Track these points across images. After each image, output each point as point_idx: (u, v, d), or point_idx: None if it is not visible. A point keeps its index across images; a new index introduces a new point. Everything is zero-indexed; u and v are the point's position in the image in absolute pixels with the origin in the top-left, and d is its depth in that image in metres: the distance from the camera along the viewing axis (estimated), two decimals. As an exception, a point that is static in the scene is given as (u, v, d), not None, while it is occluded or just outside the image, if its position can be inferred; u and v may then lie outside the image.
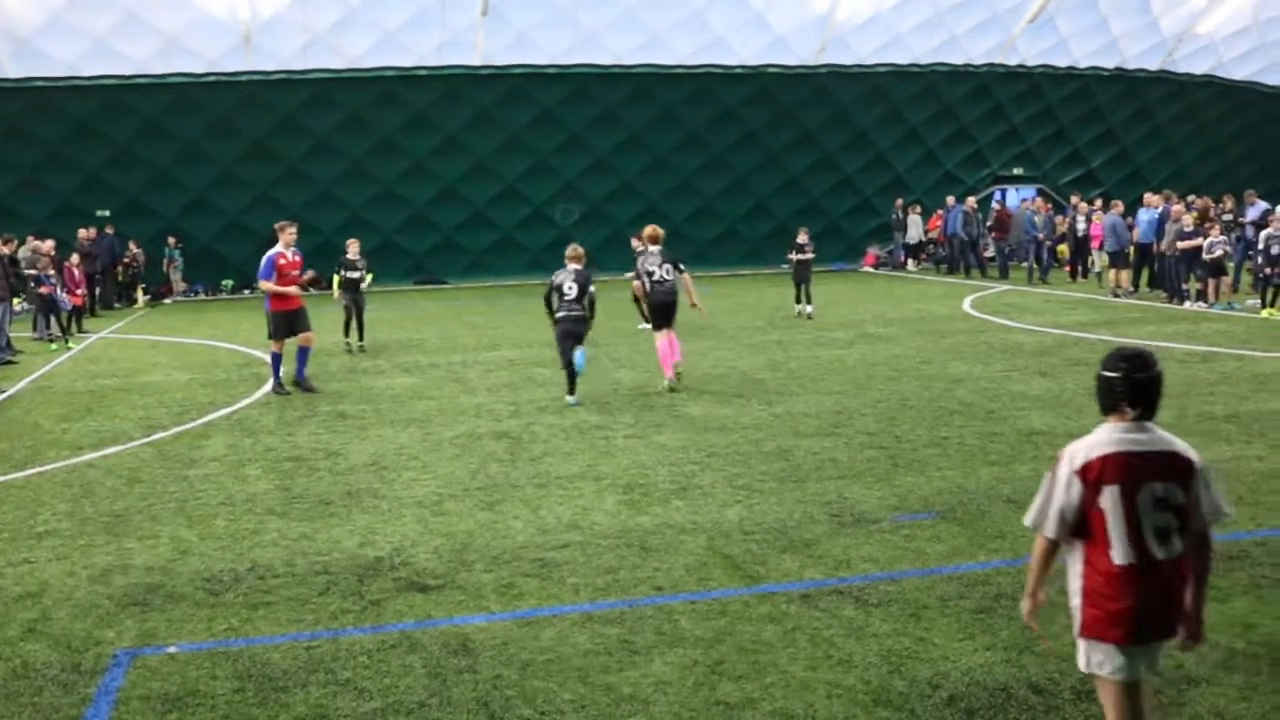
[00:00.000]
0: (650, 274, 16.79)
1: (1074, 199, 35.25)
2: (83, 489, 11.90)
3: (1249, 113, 42.55)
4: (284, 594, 8.55)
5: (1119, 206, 29.75)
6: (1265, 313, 23.59)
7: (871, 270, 39.70)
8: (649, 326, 18.26)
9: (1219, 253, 25.36)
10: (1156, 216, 28.06)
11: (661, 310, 16.64)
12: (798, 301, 26.08)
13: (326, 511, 10.80)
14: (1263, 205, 28.97)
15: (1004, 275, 34.59)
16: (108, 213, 34.19)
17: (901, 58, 37.66)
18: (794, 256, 26.15)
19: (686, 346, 18.30)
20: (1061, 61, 39.33)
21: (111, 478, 12.35)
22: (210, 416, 15.68)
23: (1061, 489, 4.99)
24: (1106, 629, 4.97)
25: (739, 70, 36.56)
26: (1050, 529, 5.04)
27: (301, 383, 17.49)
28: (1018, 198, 40.62)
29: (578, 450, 12.95)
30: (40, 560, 9.54)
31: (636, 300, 17.87)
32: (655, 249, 16.95)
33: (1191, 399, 14.93)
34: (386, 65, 33.92)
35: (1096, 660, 5.07)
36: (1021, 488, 10.89)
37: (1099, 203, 34.13)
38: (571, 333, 15.61)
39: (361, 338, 21.94)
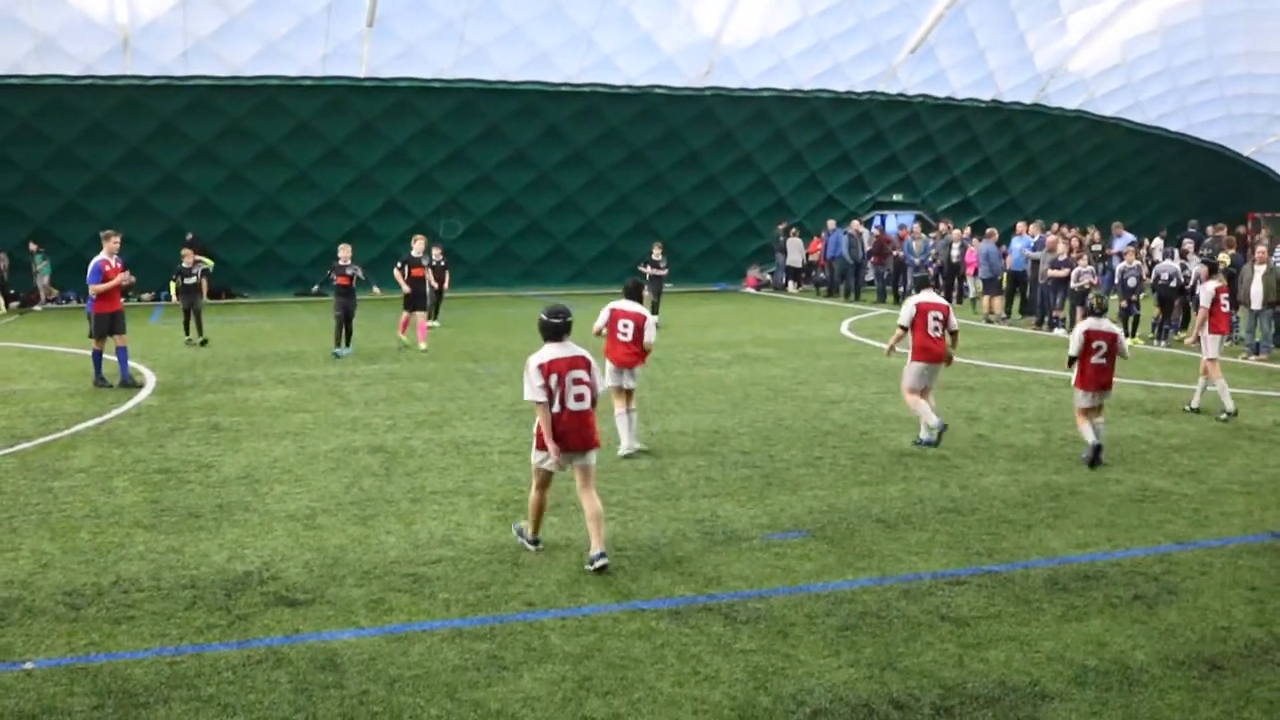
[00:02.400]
0: (418, 262, 23.70)
1: (942, 225, 36.04)
2: (-60, 500, 11.55)
3: (1117, 147, 43.97)
4: (148, 608, 8.39)
5: (993, 235, 30.51)
6: (1128, 342, 24.35)
7: (753, 292, 40.15)
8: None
9: (1085, 281, 26.14)
10: (1031, 245, 28.85)
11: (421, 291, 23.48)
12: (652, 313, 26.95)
13: (196, 525, 10.62)
14: (1129, 237, 29.95)
15: (881, 299, 35.25)
16: (-27, 216, 33.24)
17: (786, 83, 38.20)
18: (648, 270, 27.58)
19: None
20: (940, 92, 40.24)
21: (-29, 488, 12.00)
22: (78, 427, 15.30)
23: (535, 378, 9.17)
24: (548, 443, 9.15)
25: (625, 90, 36.75)
26: (540, 397, 9.14)
27: (126, 381, 18.60)
28: (896, 223, 41.45)
29: (453, 465, 12.92)
30: (-108, 573, 9.24)
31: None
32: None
33: (1056, 423, 15.37)
34: (269, 74, 33.43)
35: (539, 459, 9.39)
36: (891, 508, 11.14)
37: (968, 230, 34.95)
38: (346, 304, 22.37)
39: (200, 332, 24.48)
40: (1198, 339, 16.72)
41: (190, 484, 12.16)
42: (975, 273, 31.40)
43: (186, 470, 12.77)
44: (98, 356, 18.85)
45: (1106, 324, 13.24)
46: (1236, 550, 9.82)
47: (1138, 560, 9.52)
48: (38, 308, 33.96)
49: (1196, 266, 24.31)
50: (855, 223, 37.97)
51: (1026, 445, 13.99)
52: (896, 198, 43.12)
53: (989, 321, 28.80)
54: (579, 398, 9.22)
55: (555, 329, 9.35)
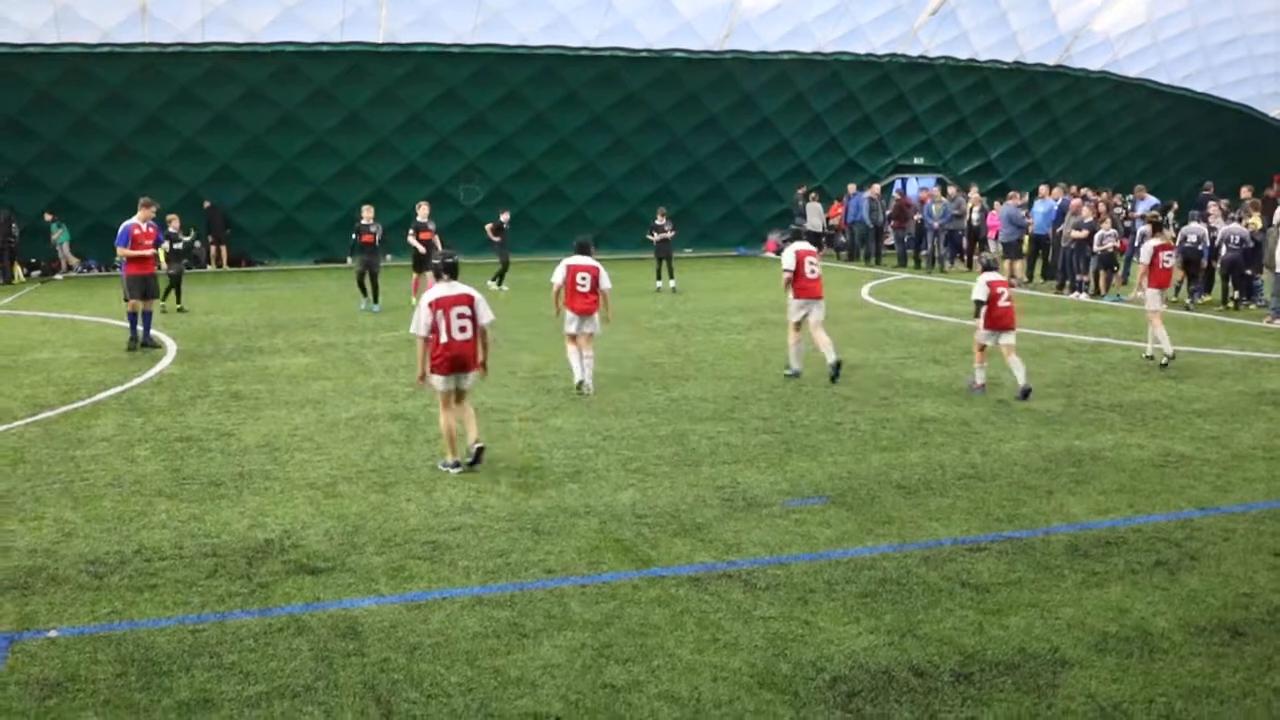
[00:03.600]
0: (425, 226, 25.30)
1: (952, 189, 35.70)
2: (-36, 468, 11.63)
3: (1141, 109, 43.54)
4: (170, 576, 8.44)
5: (1015, 198, 30.27)
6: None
7: (773, 256, 39.96)
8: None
9: (1109, 245, 25.94)
10: (1055, 208, 28.59)
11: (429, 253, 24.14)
12: (658, 278, 28.31)
13: (217, 493, 10.67)
14: (1152, 200, 29.71)
15: (902, 263, 35.08)
16: (-4, 184, 33.37)
17: (806, 46, 37.92)
18: (654, 236, 28.35)
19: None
20: (962, 54, 39.90)
21: (-6, 457, 12.07)
22: (100, 395, 15.37)
23: (424, 313, 10.90)
24: (438, 368, 10.99)
25: (645, 54, 36.54)
26: (424, 331, 10.94)
27: (147, 342, 19.43)
28: (917, 187, 41.19)
29: (474, 433, 12.92)
30: (-83, 541, 9.31)
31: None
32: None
33: (1078, 388, 15.30)
34: (287, 40, 33.36)
35: (435, 383, 11.06)
36: (912, 474, 11.10)
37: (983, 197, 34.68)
38: (370, 261, 24.48)
39: (179, 300, 25.10)
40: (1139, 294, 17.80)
41: (211, 452, 12.21)
42: (997, 236, 31.16)
43: (207, 438, 12.82)
44: (133, 318, 19.46)
45: (1001, 275, 15.81)
46: (1259, 516, 9.76)
47: (1159, 526, 9.48)
48: (59, 276, 34.10)
49: (1224, 228, 24.17)
50: (875, 186, 37.75)
51: (1048, 410, 13.92)
52: (918, 161, 42.84)
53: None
54: (461, 329, 10.95)
55: (437, 270, 11.33)
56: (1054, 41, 40.25)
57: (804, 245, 16.71)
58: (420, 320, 10.94)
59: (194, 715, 6.32)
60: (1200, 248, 24.45)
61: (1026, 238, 29.60)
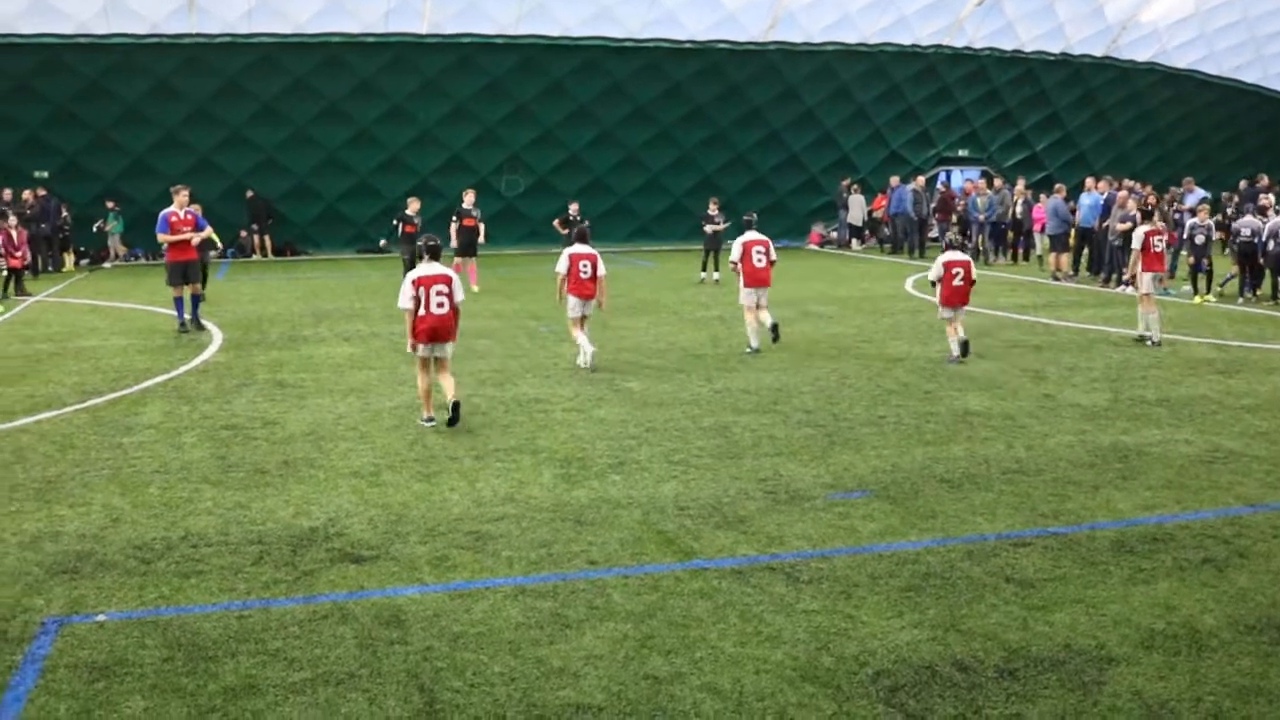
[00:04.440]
0: (469, 213, 26.04)
1: (998, 182, 35.42)
2: (14, 455, 11.75)
3: (1189, 100, 43.05)
4: (216, 563, 8.51)
5: (1061, 190, 30.00)
6: (1198, 299, 23.96)
7: (816, 249, 39.87)
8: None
9: (1156, 239, 25.63)
10: (1101, 201, 28.30)
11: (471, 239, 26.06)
12: (703, 269, 28.28)
13: (262, 481, 10.74)
14: (1200, 193, 29.34)
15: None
16: (46, 174, 33.67)
17: (850, 37, 37.74)
18: (707, 228, 28.15)
19: (631, 322, 20.56)
20: (1008, 45, 39.60)
21: (44, 443, 12.20)
22: (147, 383, 15.52)
23: (408, 288, 12.36)
24: (419, 338, 12.45)
25: (688, 45, 36.46)
26: (408, 305, 12.40)
27: (195, 320, 20.37)
28: (962, 179, 40.91)
29: (516, 423, 12.96)
30: (-32, 526, 9.43)
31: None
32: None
33: (1124, 382, 15.16)
34: (333, 31, 33.54)
35: (417, 350, 12.53)
36: (955, 467, 11.04)
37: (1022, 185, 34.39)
38: (414, 251, 23.94)
39: (204, 286, 23.76)
40: (1134, 278, 18.74)
41: (256, 440, 12.30)
42: (1043, 229, 30.92)
43: (253, 427, 12.92)
44: (178, 303, 20.27)
45: (962, 255, 17.10)
46: (1310, 513, 9.64)
47: (1207, 523, 9.38)
48: (107, 265, 34.44)
49: (1270, 222, 23.85)
50: (920, 178, 37.52)
51: (1094, 405, 13.81)
52: (962, 153, 42.56)
53: (1055, 279, 28.38)
54: (439, 305, 12.41)
55: (420, 251, 12.99)
56: (1101, 32, 39.88)
57: (753, 236, 17.81)
58: (404, 294, 12.45)
59: (239, 701, 6.37)
60: (1255, 241, 24.15)
61: (1073, 231, 29.32)
